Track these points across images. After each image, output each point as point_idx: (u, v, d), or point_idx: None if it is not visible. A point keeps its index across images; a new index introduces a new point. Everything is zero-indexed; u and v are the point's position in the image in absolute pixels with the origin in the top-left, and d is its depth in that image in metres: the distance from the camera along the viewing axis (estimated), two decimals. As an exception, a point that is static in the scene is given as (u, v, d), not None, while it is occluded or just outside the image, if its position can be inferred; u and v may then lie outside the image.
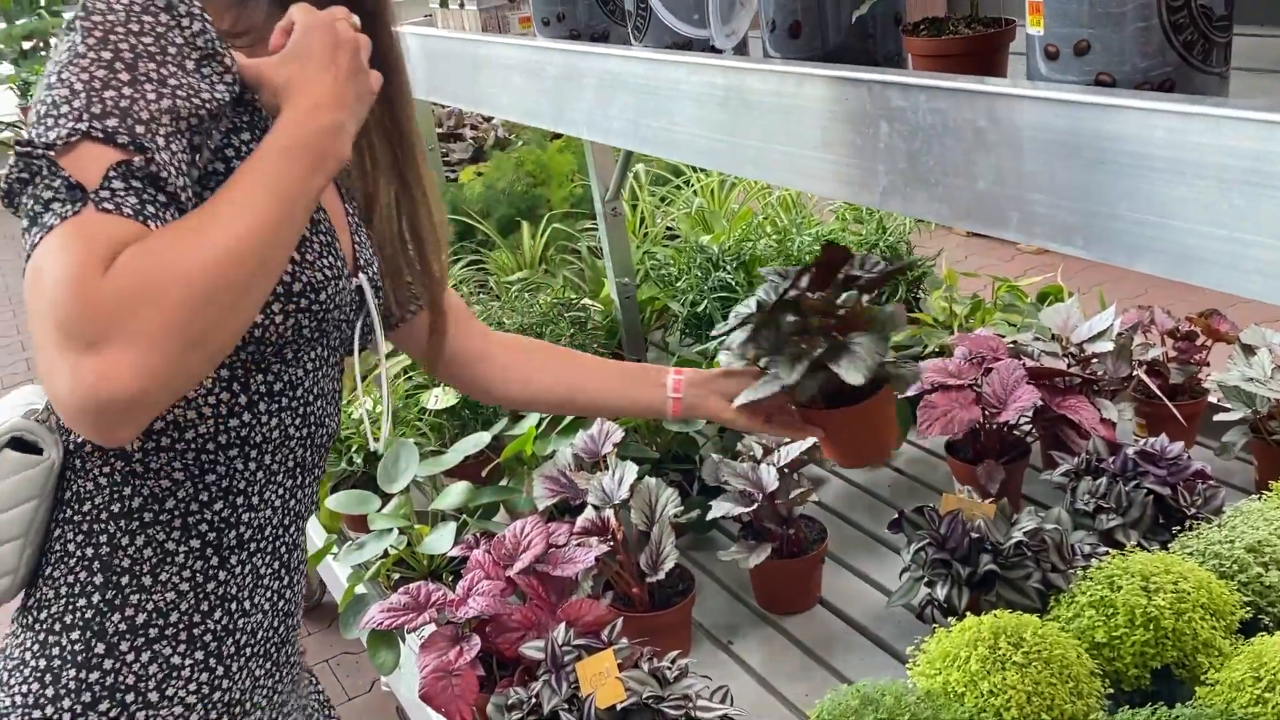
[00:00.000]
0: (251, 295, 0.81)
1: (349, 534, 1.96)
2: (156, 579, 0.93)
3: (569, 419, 1.91)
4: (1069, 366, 1.89)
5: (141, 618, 0.93)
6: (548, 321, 2.22)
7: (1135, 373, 1.95)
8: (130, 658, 0.93)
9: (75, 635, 0.92)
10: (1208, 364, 2.05)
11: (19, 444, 0.94)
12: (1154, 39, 0.83)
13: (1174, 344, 2.05)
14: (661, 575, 1.56)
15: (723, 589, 1.85)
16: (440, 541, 1.65)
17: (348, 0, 0.98)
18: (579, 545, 1.54)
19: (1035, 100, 0.85)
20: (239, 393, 0.94)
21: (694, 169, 3.31)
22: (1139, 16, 0.83)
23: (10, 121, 9.32)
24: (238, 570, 0.97)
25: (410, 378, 2.24)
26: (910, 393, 1.89)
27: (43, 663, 0.93)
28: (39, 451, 0.94)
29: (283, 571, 1.02)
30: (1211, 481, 1.63)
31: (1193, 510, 1.57)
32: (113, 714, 0.92)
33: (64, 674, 0.92)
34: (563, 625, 1.40)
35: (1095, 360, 1.90)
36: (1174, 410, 1.91)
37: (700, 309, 2.32)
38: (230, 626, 0.97)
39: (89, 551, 0.93)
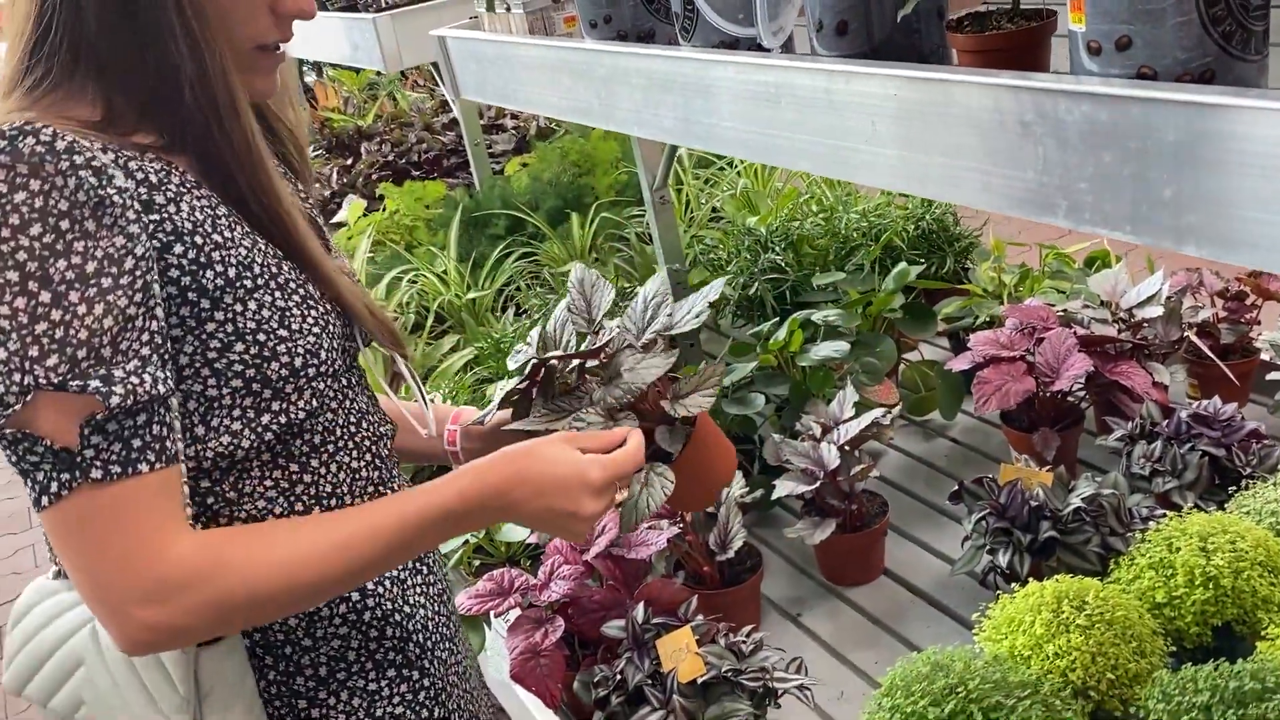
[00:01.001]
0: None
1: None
2: (315, 636, 0.97)
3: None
4: (1119, 332, 1.92)
5: (324, 669, 0.98)
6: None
7: (1186, 335, 1.97)
8: (333, 702, 0.98)
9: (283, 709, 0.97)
10: (1258, 323, 2.07)
11: None
12: (1193, 32, 0.87)
13: (1224, 304, 2.07)
14: (730, 554, 1.63)
15: (788, 563, 1.91)
16: (518, 529, 1.72)
17: None
18: (650, 528, 1.61)
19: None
20: (288, 466, 0.94)
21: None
22: (1178, 11, 0.87)
23: None
24: (387, 584, 1.02)
25: (474, 371, 2.32)
26: (964, 366, 1.94)
27: None
28: None
29: (416, 562, 1.07)
30: (1266, 441, 1.66)
31: (1248, 470, 1.61)
32: None
33: None
34: (641, 605, 1.47)
35: (1145, 325, 1.93)
36: (1226, 370, 1.93)
37: (752, 291, 2.37)
38: (404, 636, 1.02)
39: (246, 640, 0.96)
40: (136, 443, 0.81)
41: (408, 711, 1.02)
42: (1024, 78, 0.98)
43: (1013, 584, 1.50)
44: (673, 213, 2.46)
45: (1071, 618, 1.33)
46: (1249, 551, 1.38)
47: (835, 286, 2.32)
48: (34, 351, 0.76)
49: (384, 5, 2.89)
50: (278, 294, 0.91)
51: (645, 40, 1.63)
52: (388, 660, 1.00)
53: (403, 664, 1.01)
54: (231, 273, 0.88)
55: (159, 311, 0.83)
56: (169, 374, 0.83)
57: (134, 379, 0.80)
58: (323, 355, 0.94)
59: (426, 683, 1.03)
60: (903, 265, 2.24)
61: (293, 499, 0.95)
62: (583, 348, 1.22)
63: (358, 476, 1.00)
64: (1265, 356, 2.04)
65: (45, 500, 0.80)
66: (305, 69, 6.26)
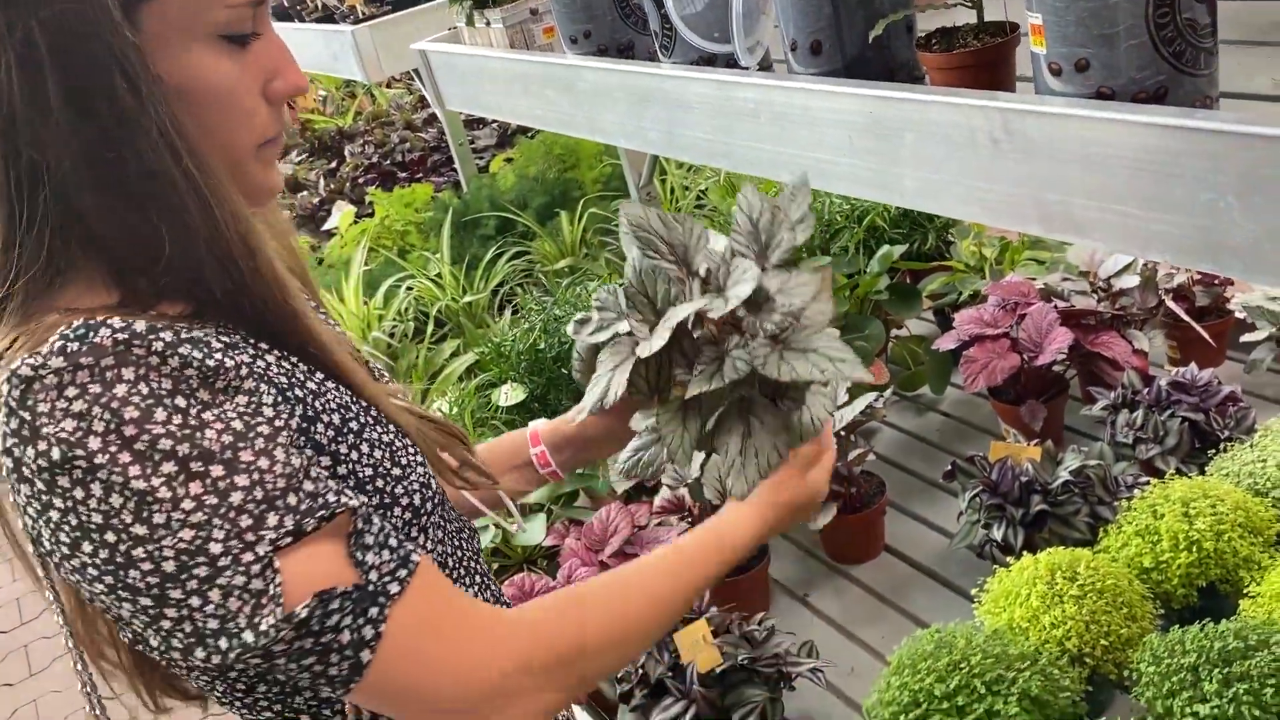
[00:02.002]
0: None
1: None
2: None
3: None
4: (1098, 303, 1.99)
5: None
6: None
7: (1163, 300, 2.05)
8: None
9: None
10: (1231, 282, 2.14)
11: None
12: (1146, 53, 0.93)
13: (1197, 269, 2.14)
14: (739, 544, 1.70)
15: (794, 546, 1.99)
16: (534, 533, 1.79)
17: None
18: (660, 524, 1.68)
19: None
20: None
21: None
22: (1130, 35, 0.93)
23: None
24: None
25: (476, 375, 2.38)
26: (951, 345, 2.01)
27: None
28: None
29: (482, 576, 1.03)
30: (1242, 403, 1.74)
31: (1225, 433, 1.69)
32: None
33: None
34: (657, 601, 1.55)
35: (1123, 294, 2.00)
36: (1202, 333, 2.01)
37: (741, 280, 2.43)
38: None
39: None
40: (393, 541, 0.75)
41: None
42: (991, 97, 1.04)
43: (1008, 557, 1.58)
44: (660, 207, 2.52)
45: (1065, 589, 1.41)
46: (1229, 514, 1.46)
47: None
48: (246, 521, 0.69)
49: (361, 16, 2.93)
50: (378, 430, 0.83)
51: (625, 53, 1.68)
52: None
53: None
54: (336, 419, 0.80)
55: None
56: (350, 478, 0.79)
57: (346, 495, 0.74)
58: (433, 485, 0.87)
59: None
60: (886, 247, 2.30)
61: None
62: (699, 293, 0.98)
63: (470, 584, 0.96)
64: (1240, 316, 2.12)
65: (365, 655, 0.72)
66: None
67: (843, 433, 1.81)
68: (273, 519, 0.70)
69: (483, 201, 3.10)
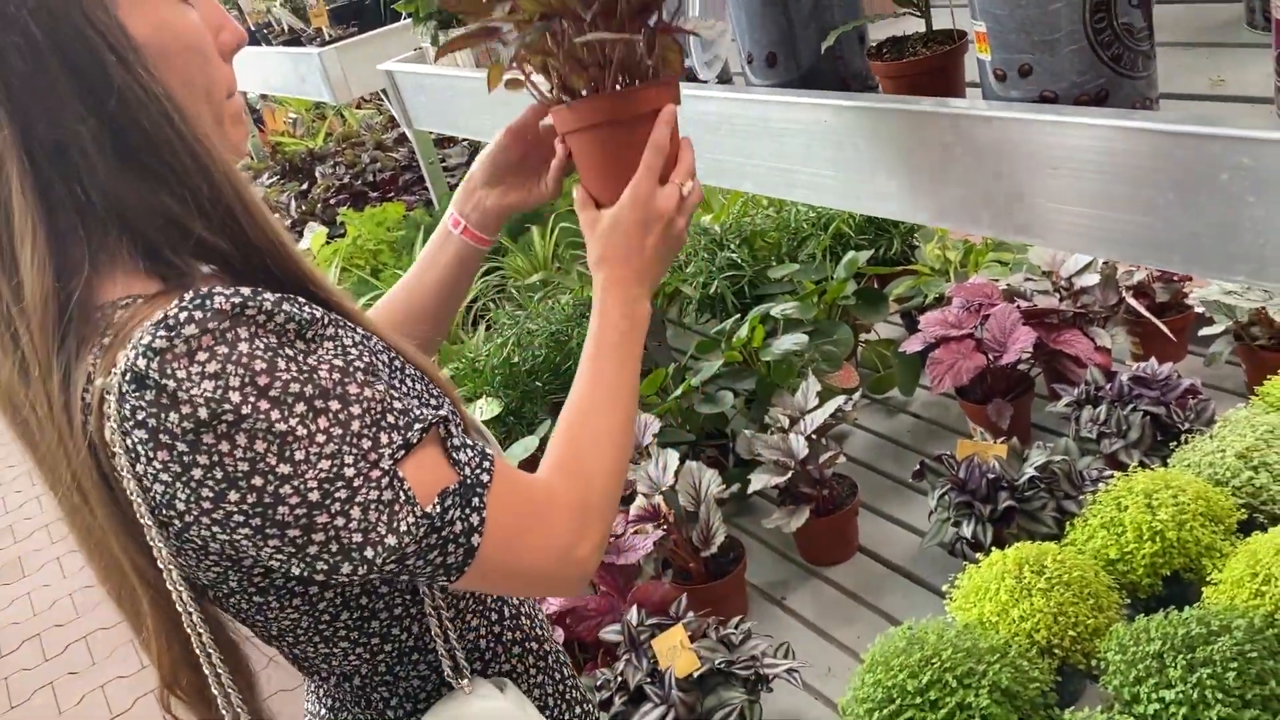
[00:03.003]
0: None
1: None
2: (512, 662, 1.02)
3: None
4: (1060, 301, 2.03)
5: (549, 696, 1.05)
6: (572, 322, 2.37)
7: (1124, 297, 2.09)
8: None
9: None
10: (1190, 278, 2.18)
11: None
12: (1085, 57, 0.97)
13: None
14: (713, 549, 1.72)
15: (770, 549, 2.01)
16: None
17: None
18: (636, 533, 1.70)
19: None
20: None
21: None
22: (1070, 40, 0.96)
23: None
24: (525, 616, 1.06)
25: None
26: (917, 348, 2.04)
27: None
28: None
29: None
30: (1201, 396, 1.77)
31: (1186, 425, 1.72)
32: None
33: None
34: (634, 608, 1.57)
35: (1085, 292, 2.04)
36: (1163, 328, 2.05)
37: (712, 290, 2.46)
38: (545, 655, 1.07)
39: None
40: (470, 439, 0.85)
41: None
42: (940, 104, 1.07)
43: (978, 553, 1.61)
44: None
45: (1032, 582, 1.44)
46: (1190, 504, 1.49)
47: (791, 278, 2.42)
48: (367, 444, 0.76)
49: (328, 38, 2.95)
50: (410, 366, 0.90)
51: (588, 69, 1.70)
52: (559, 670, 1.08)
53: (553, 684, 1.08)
54: (385, 358, 0.86)
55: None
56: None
57: (429, 409, 0.84)
58: (460, 409, 0.94)
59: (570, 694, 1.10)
60: (852, 254, 2.34)
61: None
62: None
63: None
64: (1199, 310, 2.16)
65: (476, 539, 0.81)
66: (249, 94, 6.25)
67: (814, 436, 1.84)
68: (384, 438, 0.77)
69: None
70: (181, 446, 0.72)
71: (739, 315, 2.35)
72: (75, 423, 0.75)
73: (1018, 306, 1.97)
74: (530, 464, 2.12)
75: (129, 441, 0.73)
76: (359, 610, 0.90)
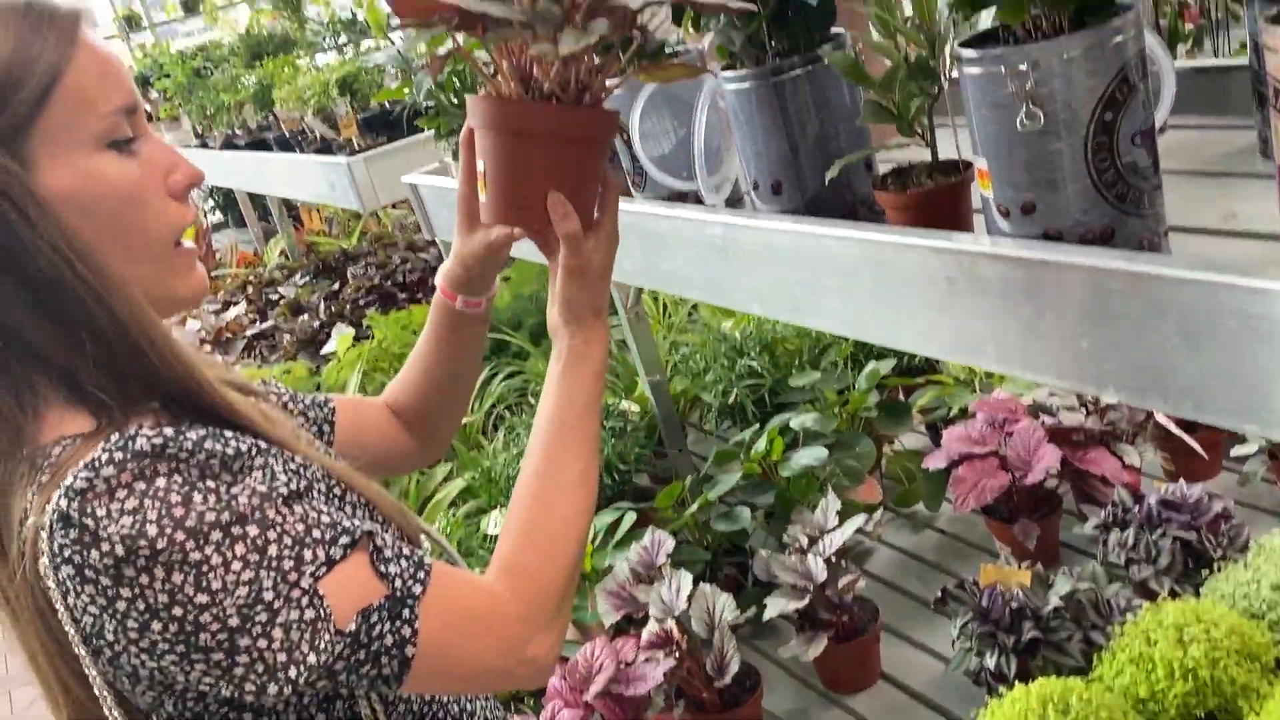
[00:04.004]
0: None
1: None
2: None
3: (621, 533, 2.03)
4: (1086, 417, 1.98)
5: None
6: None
7: (1151, 413, 2.03)
8: None
9: None
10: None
11: None
12: (1089, 196, 0.95)
13: (1187, 378, 2.13)
14: (728, 679, 1.67)
15: (789, 675, 1.94)
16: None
17: None
18: (647, 661, 1.65)
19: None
20: None
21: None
22: (1073, 178, 0.94)
23: None
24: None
25: (465, 501, 2.37)
26: (941, 464, 1.99)
27: None
28: None
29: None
30: (1234, 520, 1.71)
31: (1219, 552, 1.66)
32: None
33: None
34: (642, 741, 1.51)
35: (1111, 409, 1.99)
36: (1194, 445, 1.99)
37: (731, 399, 2.44)
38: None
39: None
40: (406, 550, 0.86)
41: None
42: (944, 237, 1.05)
43: (1001, 685, 1.54)
44: (649, 326, 2.53)
45: (1057, 723, 1.37)
46: (1224, 640, 1.42)
47: (812, 387, 2.39)
48: (288, 565, 0.79)
49: (357, 147, 3.01)
50: (352, 493, 0.93)
51: (601, 188, 1.71)
52: None
53: None
54: (322, 486, 0.89)
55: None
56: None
57: (358, 521, 0.85)
58: (392, 511, 0.96)
59: None
60: (874, 364, 2.31)
61: None
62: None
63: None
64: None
65: (409, 650, 0.82)
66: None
67: (834, 558, 1.79)
68: (307, 554, 0.80)
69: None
70: (105, 581, 0.75)
71: (759, 424, 2.32)
72: (11, 556, 0.81)
73: (1042, 423, 1.93)
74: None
75: (59, 576, 0.77)
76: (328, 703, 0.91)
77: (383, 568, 0.83)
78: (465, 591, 0.87)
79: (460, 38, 0.97)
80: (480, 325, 1.22)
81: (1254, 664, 1.43)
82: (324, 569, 0.80)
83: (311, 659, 0.79)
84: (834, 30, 1.23)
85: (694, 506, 2.06)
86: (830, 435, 2.18)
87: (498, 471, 2.33)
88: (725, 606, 1.72)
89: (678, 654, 1.69)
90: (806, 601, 1.74)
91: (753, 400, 2.44)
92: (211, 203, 7.48)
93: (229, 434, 0.83)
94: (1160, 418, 2.01)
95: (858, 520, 1.84)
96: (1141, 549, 1.68)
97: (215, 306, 4.51)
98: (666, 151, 1.44)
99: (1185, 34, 1.74)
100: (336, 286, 4.40)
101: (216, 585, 0.76)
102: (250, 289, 4.71)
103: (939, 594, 1.73)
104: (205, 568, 0.76)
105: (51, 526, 0.76)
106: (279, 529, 0.79)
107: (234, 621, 0.77)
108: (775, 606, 1.75)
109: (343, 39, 4.96)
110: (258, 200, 6.22)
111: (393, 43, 2.14)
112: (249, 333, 4.14)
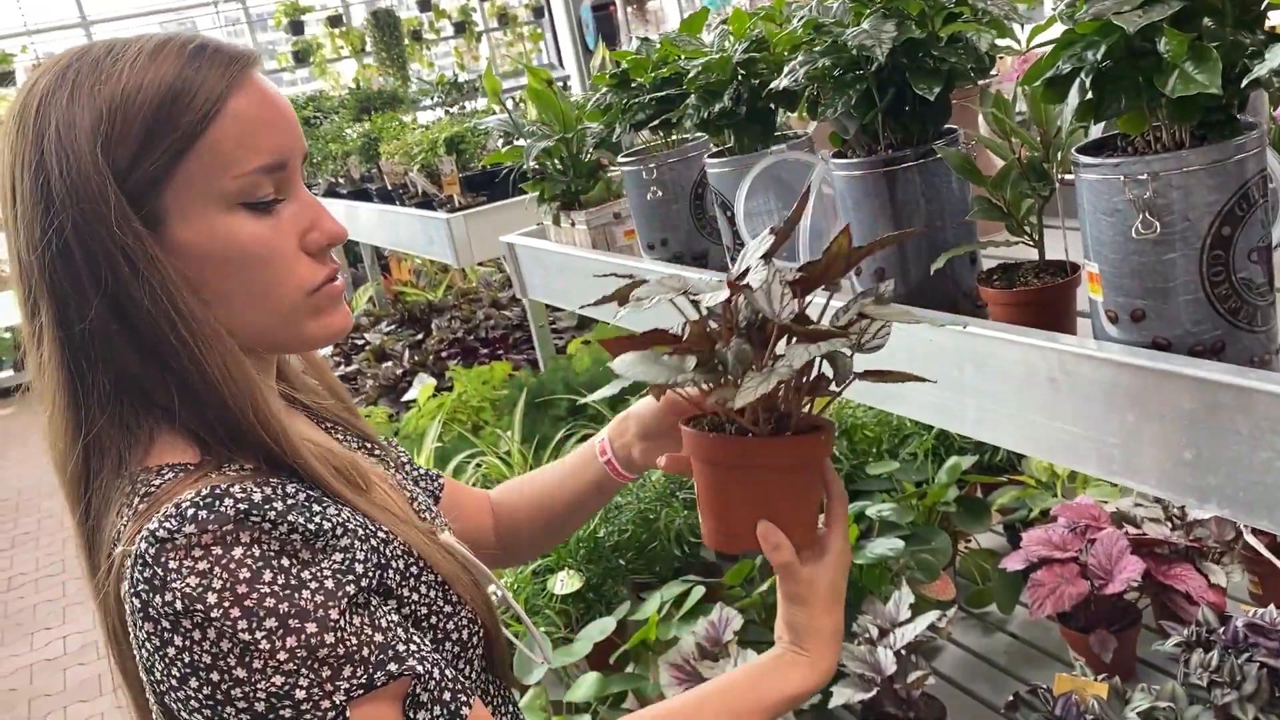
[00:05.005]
0: None
1: None
2: None
3: (690, 603, 2.02)
4: (1172, 531, 1.94)
5: None
6: (660, 501, 2.35)
7: (1241, 533, 1.98)
8: None
9: None
10: (1317, 518, 2.07)
11: None
12: (1201, 308, 0.94)
13: None
14: (788, 765, 1.64)
15: (848, 767, 1.90)
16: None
17: None
18: (708, 736, 1.63)
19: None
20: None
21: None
22: (1185, 290, 0.94)
23: None
24: None
25: (535, 560, 2.38)
26: (1018, 566, 1.96)
27: None
28: None
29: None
30: (1325, 651, 1.65)
31: (1308, 683, 1.60)
32: None
33: None
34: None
35: (1198, 524, 1.95)
36: (1285, 569, 1.93)
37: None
38: None
39: None
40: (447, 695, 0.86)
41: None
42: (1049, 338, 1.05)
43: (1072, 801, 1.50)
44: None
45: (1130, 845, 1.32)
46: (1311, 776, 1.37)
47: (889, 476, 2.37)
48: (326, 673, 0.79)
49: (458, 205, 3.09)
50: (431, 572, 0.93)
51: (699, 261, 1.74)
52: None
53: None
54: (401, 564, 0.90)
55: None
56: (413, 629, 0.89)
57: (414, 647, 0.85)
58: (478, 619, 0.96)
59: None
60: (955, 458, 2.28)
61: None
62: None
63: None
64: (1325, 553, 2.04)
65: None
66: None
67: (904, 652, 1.76)
68: (348, 671, 0.81)
69: (557, 383, 3.17)
70: (165, 624, 0.79)
71: (833, 510, 2.30)
72: (99, 570, 0.87)
73: (1125, 533, 1.88)
74: (605, 647, 2.07)
75: (132, 604, 0.81)
76: None
77: (411, 713, 0.84)
78: None
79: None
80: (617, 489, 1.27)
81: (1342, 805, 1.37)
82: (360, 691, 0.81)
83: None
84: (947, 125, 1.25)
85: (763, 586, 2.05)
86: (906, 527, 2.16)
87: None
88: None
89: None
90: (874, 694, 1.71)
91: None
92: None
93: (316, 507, 0.86)
94: (1250, 538, 1.96)
95: (931, 615, 1.81)
96: (1226, 672, 1.63)
97: (302, 347, 4.62)
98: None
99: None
100: (420, 337, 4.49)
101: (257, 665, 0.78)
102: (337, 333, 4.81)
103: (1010, 699, 1.69)
104: (253, 648, 0.78)
105: (134, 560, 0.80)
106: (335, 634, 0.80)
107: (260, 706, 0.79)
108: (841, 696, 1.72)
109: (449, 97, 5.14)
110: (349, 248, 6.39)
111: (505, 108, 2.21)
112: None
